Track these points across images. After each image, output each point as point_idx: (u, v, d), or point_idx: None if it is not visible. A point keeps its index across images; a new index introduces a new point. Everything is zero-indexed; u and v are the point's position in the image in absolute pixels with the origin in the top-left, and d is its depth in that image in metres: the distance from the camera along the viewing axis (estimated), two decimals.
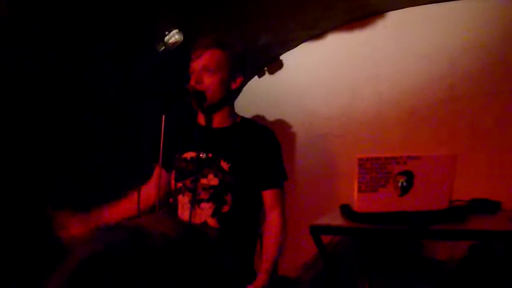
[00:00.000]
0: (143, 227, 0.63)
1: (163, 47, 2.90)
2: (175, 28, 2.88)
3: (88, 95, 2.77)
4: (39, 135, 2.57)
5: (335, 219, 2.09)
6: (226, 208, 1.98)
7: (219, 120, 2.07)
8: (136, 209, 2.05)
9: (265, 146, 2.04)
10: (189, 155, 2.06)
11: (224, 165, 1.98)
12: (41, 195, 2.49)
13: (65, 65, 2.64)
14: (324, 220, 2.11)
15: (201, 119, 2.11)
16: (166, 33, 2.89)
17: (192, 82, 1.99)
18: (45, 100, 2.59)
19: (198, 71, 1.99)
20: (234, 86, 2.06)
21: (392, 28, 3.37)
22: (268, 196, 2.03)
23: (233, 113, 2.11)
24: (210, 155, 2.01)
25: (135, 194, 2.06)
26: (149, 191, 2.17)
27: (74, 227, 2.09)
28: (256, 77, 3.84)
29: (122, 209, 2.16)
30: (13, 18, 2.31)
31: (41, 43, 2.49)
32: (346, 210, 2.07)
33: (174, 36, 2.89)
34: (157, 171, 2.16)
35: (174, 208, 2.09)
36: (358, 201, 1.94)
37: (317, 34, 3.60)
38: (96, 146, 2.79)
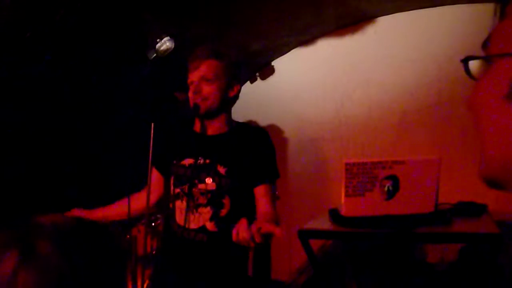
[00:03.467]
0: (37, 220, 0.69)
1: (155, 55, 2.93)
2: (167, 36, 2.91)
3: (79, 101, 2.80)
4: (30, 141, 2.60)
5: (323, 223, 2.11)
6: (224, 212, 2.01)
7: (216, 127, 2.11)
8: (127, 213, 2.11)
9: (258, 147, 2.08)
10: (187, 161, 2.10)
11: (221, 169, 2.02)
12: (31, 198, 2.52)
13: (57, 72, 2.67)
14: (312, 225, 2.14)
15: (198, 126, 2.15)
16: (158, 40, 2.92)
17: (191, 92, 2.04)
18: (36, 107, 2.62)
19: (197, 81, 2.04)
20: (231, 94, 2.11)
21: (381, 33, 3.41)
22: (258, 191, 2.05)
23: (230, 120, 2.16)
24: (207, 161, 2.05)
25: (126, 199, 2.11)
26: (142, 198, 2.21)
27: None
28: (248, 82, 3.87)
29: (113, 212, 2.25)
30: (6, 24, 2.34)
31: (33, 51, 2.52)
32: (334, 214, 2.10)
33: (165, 44, 2.91)
34: (152, 176, 2.21)
35: (172, 213, 2.12)
36: (345, 205, 1.97)
37: (308, 40, 3.64)
38: (87, 152, 2.81)
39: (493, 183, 0.63)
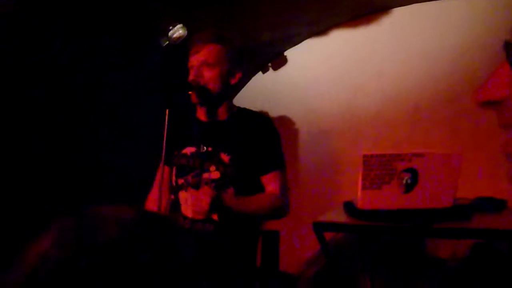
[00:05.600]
0: (100, 214, 0.63)
1: (167, 42, 2.90)
2: (179, 23, 2.87)
3: (91, 89, 2.77)
4: (39, 128, 2.57)
5: (339, 216, 2.07)
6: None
7: (217, 114, 2.07)
8: None
9: (261, 134, 2.03)
10: (189, 150, 2.06)
11: (225, 158, 1.98)
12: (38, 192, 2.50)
13: (67, 59, 2.64)
14: (327, 217, 2.10)
15: (200, 114, 2.11)
16: (170, 28, 2.88)
17: (192, 76, 1.99)
18: (47, 94, 2.59)
19: (198, 65, 1.99)
20: (233, 81, 2.06)
21: (396, 25, 3.36)
22: (267, 178, 2.01)
23: (231, 107, 2.11)
24: (210, 149, 2.01)
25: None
26: (154, 196, 2.19)
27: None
28: (260, 73, 3.83)
29: None
30: (17, 13, 2.31)
31: (44, 37, 2.48)
32: (349, 207, 2.06)
33: (178, 31, 2.88)
34: (160, 169, 2.18)
35: (175, 204, 2.08)
36: (361, 198, 1.93)
37: (321, 30, 3.59)
38: (98, 141, 2.78)
39: None
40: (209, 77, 1.98)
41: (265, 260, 3.40)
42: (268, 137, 2.05)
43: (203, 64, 1.99)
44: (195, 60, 2.01)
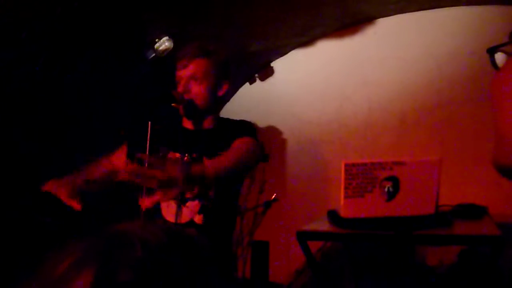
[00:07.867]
0: (125, 233, 0.61)
1: (153, 54, 2.92)
2: (166, 35, 2.90)
3: (75, 100, 2.78)
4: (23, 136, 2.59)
5: (322, 225, 2.08)
6: (210, 205, 2.00)
7: (203, 123, 2.10)
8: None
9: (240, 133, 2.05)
10: (173, 156, 2.08)
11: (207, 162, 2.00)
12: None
13: (53, 70, 2.65)
14: (311, 226, 2.11)
15: (186, 122, 2.14)
16: (157, 40, 2.91)
17: (180, 90, 2.01)
18: (31, 104, 2.60)
19: (185, 80, 2.01)
20: (220, 93, 2.09)
21: (381, 34, 3.40)
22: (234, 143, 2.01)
23: (217, 116, 2.14)
24: (194, 155, 2.03)
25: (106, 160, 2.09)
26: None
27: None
28: (247, 83, 3.85)
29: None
30: (1, 24, 2.32)
31: (29, 48, 2.50)
32: (333, 215, 2.07)
33: (164, 43, 2.90)
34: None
35: (157, 208, 2.10)
36: (344, 207, 1.94)
37: (308, 41, 3.63)
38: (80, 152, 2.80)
39: (507, 171, 0.62)
40: (197, 91, 2.01)
41: (255, 270, 3.41)
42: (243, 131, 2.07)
43: (190, 79, 2.01)
44: (182, 75, 2.03)
